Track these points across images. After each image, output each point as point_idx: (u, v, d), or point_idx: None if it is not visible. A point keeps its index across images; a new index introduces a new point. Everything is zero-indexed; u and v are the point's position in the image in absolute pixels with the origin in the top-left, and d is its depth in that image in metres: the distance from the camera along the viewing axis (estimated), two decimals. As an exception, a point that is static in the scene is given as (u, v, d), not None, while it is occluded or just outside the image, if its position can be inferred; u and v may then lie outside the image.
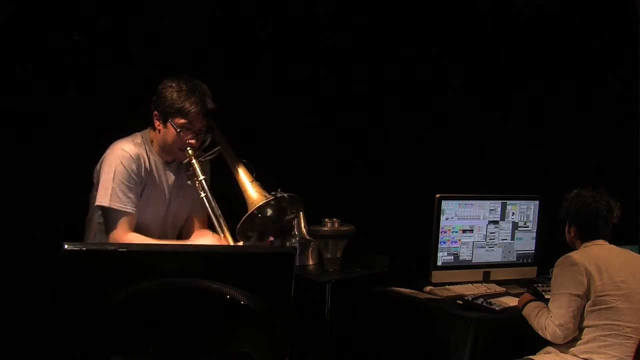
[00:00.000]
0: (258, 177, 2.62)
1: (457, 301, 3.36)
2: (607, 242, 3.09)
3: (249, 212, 2.55)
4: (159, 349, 1.82)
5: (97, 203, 2.52)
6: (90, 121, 3.07)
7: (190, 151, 2.56)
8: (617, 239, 3.16)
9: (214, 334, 1.82)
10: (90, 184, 2.63)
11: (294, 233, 3.46)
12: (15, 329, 2.98)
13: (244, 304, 1.77)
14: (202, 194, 2.55)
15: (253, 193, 2.58)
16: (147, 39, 3.19)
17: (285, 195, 2.62)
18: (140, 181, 2.56)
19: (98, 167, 2.58)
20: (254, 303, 1.78)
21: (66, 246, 1.65)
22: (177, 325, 1.77)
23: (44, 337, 2.91)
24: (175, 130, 2.53)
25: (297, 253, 3.40)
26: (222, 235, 2.53)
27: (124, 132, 2.67)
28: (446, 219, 3.61)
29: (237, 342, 1.88)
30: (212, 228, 2.60)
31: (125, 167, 2.51)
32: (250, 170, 2.64)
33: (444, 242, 3.63)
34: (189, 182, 2.63)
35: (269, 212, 2.66)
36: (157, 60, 3.15)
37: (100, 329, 1.71)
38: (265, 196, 2.57)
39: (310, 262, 3.50)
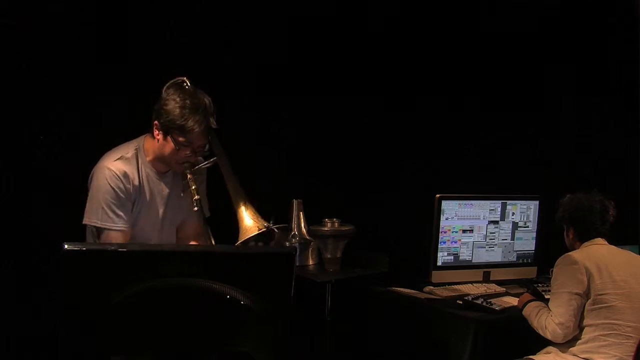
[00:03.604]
0: (255, 190, 2.61)
1: (457, 301, 3.36)
2: (606, 242, 3.09)
3: (240, 242, 2.53)
4: (159, 349, 1.82)
5: (89, 222, 2.53)
6: (92, 122, 3.08)
7: (186, 165, 2.56)
8: (617, 239, 3.17)
9: (214, 334, 1.82)
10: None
11: (294, 233, 3.46)
12: (15, 329, 2.99)
13: (244, 304, 1.77)
14: (196, 208, 2.53)
15: (247, 219, 2.56)
16: (148, 41, 3.20)
17: (276, 229, 2.59)
18: (128, 197, 2.54)
19: (89, 181, 2.57)
20: (254, 303, 1.77)
21: (66, 246, 1.65)
22: (177, 325, 1.77)
23: (44, 337, 2.92)
24: (175, 146, 2.51)
25: (297, 253, 3.40)
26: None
27: (124, 133, 2.67)
28: (446, 219, 3.61)
29: (237, 342, 1.88)
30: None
31: (112, 187, 2.50)
32: (245, 191, 2.60)
33: (444, 242, 3.63)
34: (182, 194, 2.63)
35: (259, 239, 2.63)
36: (158, 63, 3.15)
37: (100, 329, 1.71)
38: (258, 227, 2.54)
39: (310, 262, 3.50)
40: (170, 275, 1.73)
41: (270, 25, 3.56)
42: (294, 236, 3.46)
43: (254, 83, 3.55)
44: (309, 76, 3.72)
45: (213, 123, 2.52)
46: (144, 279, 1.71)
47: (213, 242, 2.53)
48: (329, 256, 3.38)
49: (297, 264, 3.40)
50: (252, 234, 2.54)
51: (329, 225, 3.37)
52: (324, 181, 3.75)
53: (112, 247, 1.87)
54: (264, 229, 2.55)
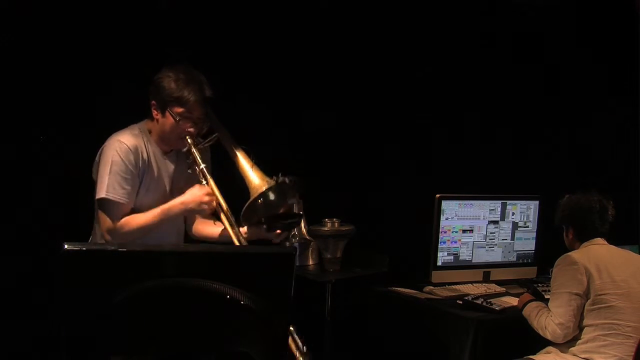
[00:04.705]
0: (258, 162, 2.62)
1: (457, 301, 3.36)
2: (606, 242, 3.10)
3: (252, 199, 2.55)
4: (159, 349, 1.82)
5: (97, 197, 2.54)
6: (93, 122, 3.08)
7: (189, 139, 2.57)
8: (617, 239, 3.17)
9: (214, 334, 1.82)
10: (91, 184, 2.62)
11: (294, 233, 3.46)
12: (15, 329, 2.98)
13: (244, 304, 1.77)
14: (203, 182, 2.56)
15: (254, 179, 2.58)
16: (145, 34, 3.20)
17: (287, 179, 2.62)
18: (137, 172, 2.56)
19: (97, 159, 2.59)
20: (254, 303, 1.77)
21: (66, 246, 1.65)
22: (177, 325, 1.77)
23: (44, 337, 2.92)
24: (174, 119, 2.54)
25: (297, 253, 3.40)
26: (227, 221, 2.54)
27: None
28: (446, 219, 3.61)
29: (237, 342, 1.88)
30: (215, 216, 2.60)
31: (122, 159, 2.52)
32: (250, 155, 2.64)
33: (444, 242, 3.63)
34: (189, 170, 2.64)
35: (272, 197, 2.67)
36: (153, 54, 3.15)
37: (100, 329, 1.71)
38: (267, 181, 2.57)
39: (310, 262, 3.50)
40: (170, 275, 1.73)
41: (272, 26, 3.56)
42: (294, 236, 3.46)
43: (254, 83, 3.55)
44: (309, 76, 3.72)
45: (208, 91, 2.56)
46: (144, 279, 1.71)
47: (227, 211, 2.53)
48: (329, 256, 3.38)
49: (297, 264, 3.40)
50: (263, 189, 2.56)
51: (329, 225, 3.37)
52: (324, 181, 3.75)
53: (112, 247, 1.87)
54: (273, 183, 2.57)
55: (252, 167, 2.60)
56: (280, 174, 2.60)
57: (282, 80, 3.63)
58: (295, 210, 3.46)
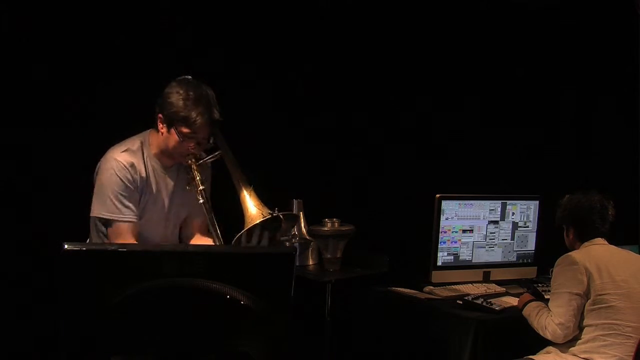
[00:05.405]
0: (257, 184, 2.61)
1: (457, 301, 3.36)
2: (606, 242, 3.09)
3: (246, 229, 2.54)
4: (159, 349, 1.82)
5: (97, 214, 2.52)
6: (93, 121, 3.08)
7: (190, 157, 2.56)
8: (617, 239, 3.17)
9: (214, 334, 1.82)
10: (91, 184, 2.62)
11: (294, 233, 3.46)
12: (15, 329, 2.99)
13: (244, 304, 1.77)
14: (201, 200, 2.54)
15: (251, 208, 2.56)
16: (151, 42, 3.20)
17: (281, 215, 2.60)
18: (136, 189, 2.55)
19: (95, 175, 2.57)
20: (254, 303, 1.78)
21: (66, 246, 1.65)
22: (177, 325, 1.77)
23: (44, 337, 2.92)
24: (179, 138, 2.52)
25: (297, 253, 3.40)
26: (218, 243, 2.52)
27: (126, 132, 2.67)
28: (446, 219, 3.61)
29: (237, 342, 1.88)
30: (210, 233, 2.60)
31: (119, 177, 2.50)
32: (250, 179, 2.62)
33: (444, 242, 3.63)
34: (188, 187, 2.62)
35: (264, 229, 2.64)
36: (160, 63, 3.15)
37: (100, 329, 1.71)
38: (263, 214, 2.54)
39: (310, 262, 3.50)
40: (170, 275, 1.73)
41: (274, 26, 3.57)
42: (294, 236, 3.45)
43: (254, 83, 3.55)
44: (309, 75, 3.72)
45: (216, 114, 2.53)
46: (144, 279, 1.71)
47: (219, 234, 2.52)
48: (329, 256, 3.38)
49: (297, 264, 3.40)
50: (257, 221, 2.54)
51: (329, 225, 3.37)
52: (324, 181, 3.75)
53: (112, 247, 1.87)
54: (269, 216, 2.55)
55: (250, 193, 2.58)
56: (276, 209, 2.58)
57: (283, 79, 3.63)
58: (295, 211, 3.46)
